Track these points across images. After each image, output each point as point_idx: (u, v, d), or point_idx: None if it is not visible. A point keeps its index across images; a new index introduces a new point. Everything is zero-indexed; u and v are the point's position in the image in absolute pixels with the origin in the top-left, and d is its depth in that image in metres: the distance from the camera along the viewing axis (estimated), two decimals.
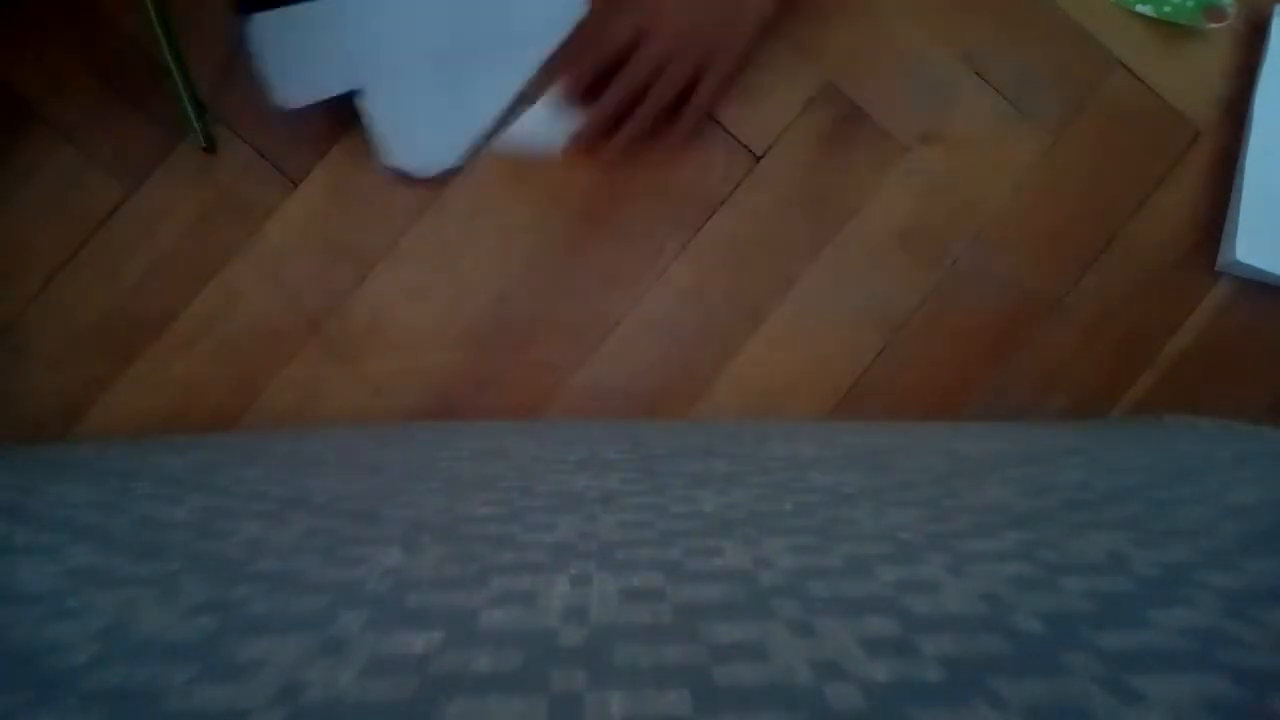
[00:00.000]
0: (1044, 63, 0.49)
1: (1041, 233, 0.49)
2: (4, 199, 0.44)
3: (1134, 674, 0.12)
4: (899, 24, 0.48)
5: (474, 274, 0.46)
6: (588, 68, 0.41)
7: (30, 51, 0.44)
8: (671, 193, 0.47)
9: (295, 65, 0.42)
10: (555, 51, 0.41)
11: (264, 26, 0.41)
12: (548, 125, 0.42)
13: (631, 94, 0.41)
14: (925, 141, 0.48)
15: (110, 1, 0.44)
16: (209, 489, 0.25)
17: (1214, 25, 0.48)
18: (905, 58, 0.48)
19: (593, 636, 0.14)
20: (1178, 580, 0.16)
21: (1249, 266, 0.47)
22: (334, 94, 0.42)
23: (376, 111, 0.43)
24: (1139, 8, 0.49)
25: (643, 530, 0.20)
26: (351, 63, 0.43)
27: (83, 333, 0.44)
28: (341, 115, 0.45)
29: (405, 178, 0.45)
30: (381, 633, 0.14)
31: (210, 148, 0.44)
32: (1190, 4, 0.48)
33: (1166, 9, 0.48)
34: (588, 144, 0.43)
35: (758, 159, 0.47)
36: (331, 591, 0.16)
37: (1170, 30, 0.49)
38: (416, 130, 0.44)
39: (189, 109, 0.44)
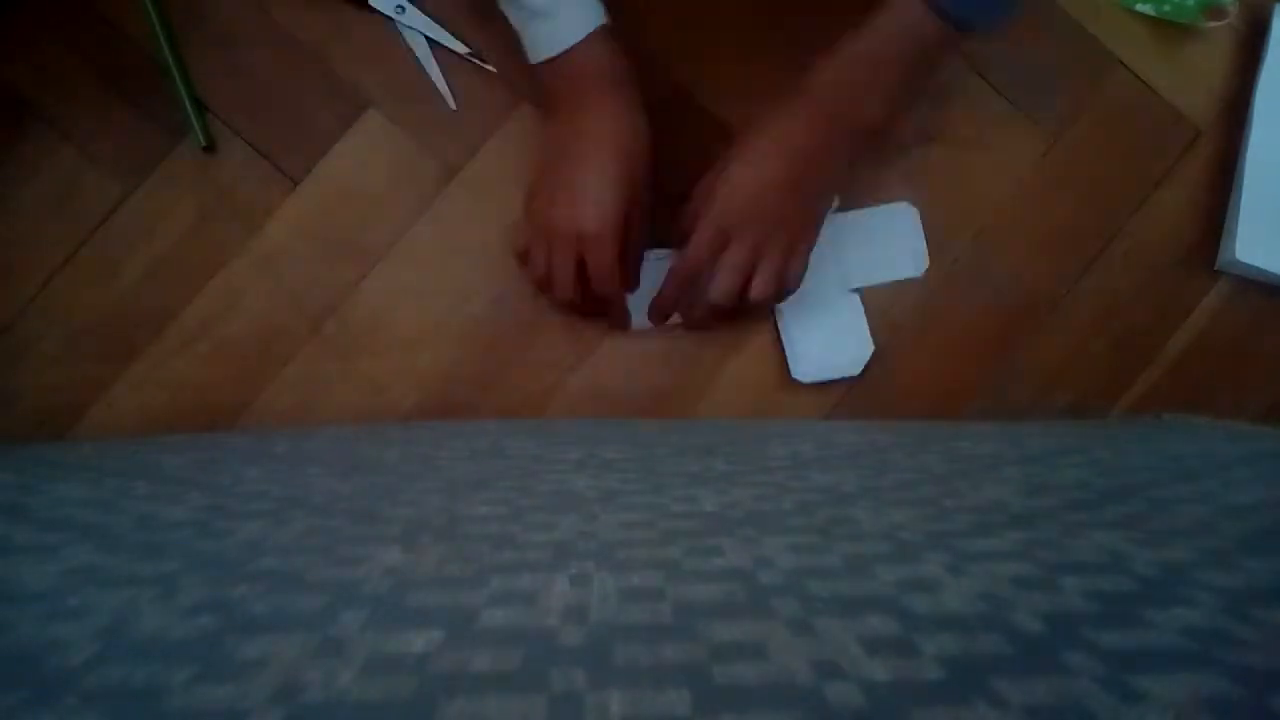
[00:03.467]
0: (1044, 62, 0.49)
1: (1041, 233, 0.49)
2: (4, 199, 0.44)
3: (1134, 673, 0.12)
4: None
5: (474, 274, 0.46)
6: (680, 295, 0.43)
7: (30, 51, 0.44)
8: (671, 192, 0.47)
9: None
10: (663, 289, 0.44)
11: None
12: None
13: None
14: (925, 141, 0.48)
15: (110, 1, 0.44)
16: (209, 489, 0.25)
17: (1214, 24, 0.48)
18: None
19: (592, 636, 0.14)
20: (1178, 580, 0.16)
21: (1249, 265, 0.47)
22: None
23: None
24: (1139, 7, 0.49)
25: (642, 530, 0.20)
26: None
27: (82, 332, 0.44)
28: (341, 114, 0.45)
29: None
30: (381, 632, 0.14)
31: (210, 147, 0.44)
32: (1190, 3, 0.48)
33: (1167, 8, 0.48)
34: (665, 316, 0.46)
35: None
36: (331, 591, 0.16)
37: (1170, 29, 0.49)
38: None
39: (189, 109, 0.44)
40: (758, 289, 0.41)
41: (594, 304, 0.43)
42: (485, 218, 0.46)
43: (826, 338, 0.47)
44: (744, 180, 0.39)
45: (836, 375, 0.47)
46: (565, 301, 0.43)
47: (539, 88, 0.42)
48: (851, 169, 0.42)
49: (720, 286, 0.41)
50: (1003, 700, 0.11)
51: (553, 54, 0.38)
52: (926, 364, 0.48)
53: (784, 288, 0.42)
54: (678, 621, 0.14)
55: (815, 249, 0.42)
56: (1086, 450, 0.31)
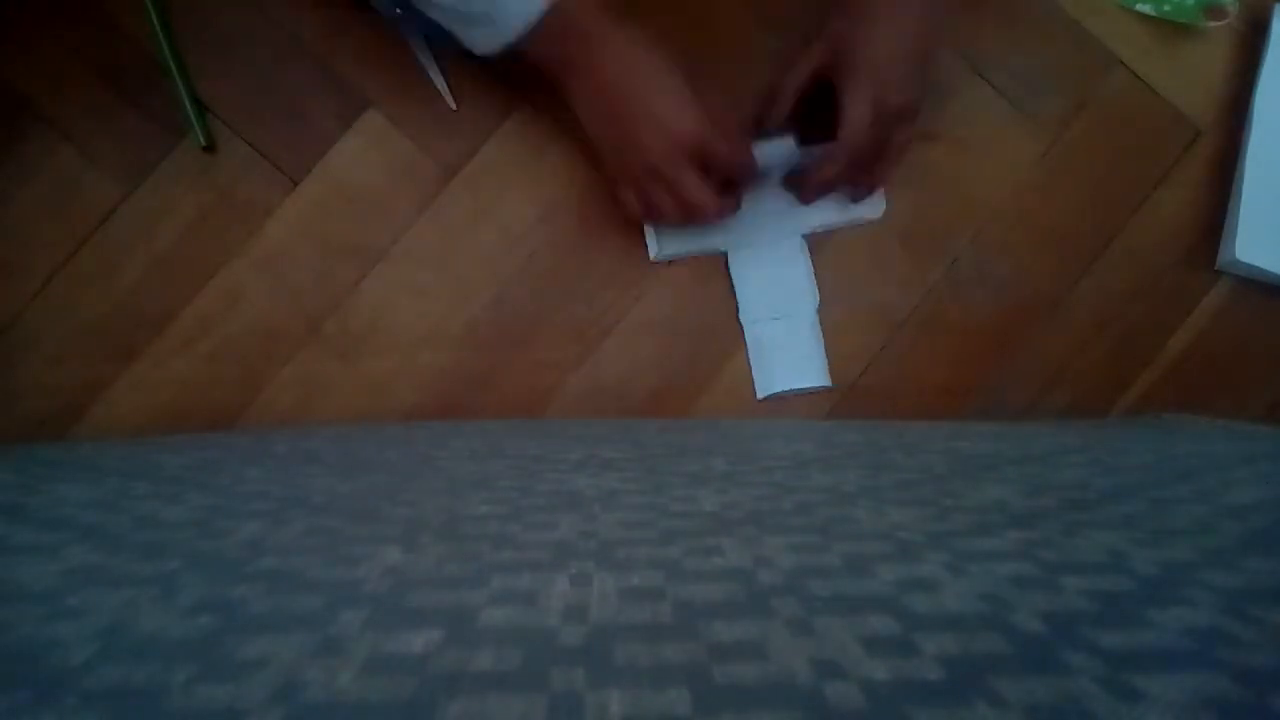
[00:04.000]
0: (1044, 63, 0.49)
1: (1041, 233, 0.49)
2: (4, 198, 0.44)
3: (1134, 673, 0.12)
4: None
5: (474, 274, 0.46)
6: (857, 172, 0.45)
7: (31, 51, 0.44)
8: None
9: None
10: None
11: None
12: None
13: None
14: (925, 140, 0.48)
15: (110, 1, 0.44)
16: (209, 488, 0.25)
17: (1215, 24, 0.48)
18: None
19: (592, 635, 0.14)
20: (1178, 579, 0.16)
21: (1249, 265, 0.47)
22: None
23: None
24: (1139, 6, 0.49)
25: (642, 529, 0.20)
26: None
27: (83, 332, 0.44)
28: (341, 114, 0.45)
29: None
30: (381, 632, 0.14)
31: (210, 147, 0.45)
32: (1190, 3, 0.48)
33: (1167, 7, 0.48)
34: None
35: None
36: (331, 591, 0.16)
37: (1171, 29, 0.49)
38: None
39: (189, 109, 0.44)
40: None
41: (715, 206, 0.41)
42: (485, 218, 0.46)
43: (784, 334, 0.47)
44: (896, 47, 0.39)
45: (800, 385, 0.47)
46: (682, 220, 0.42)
47: (535, 69, 0.39)
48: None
49: (887, 170, 0.43)
50: (1002, 700, 0.11)
51: (532, 17, 0.35)
52: (926, 364, 0.48)
53: (904, 153, 0.44)
54: (678, 621, 0.14)
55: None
56: (1086, 450, 0.31)
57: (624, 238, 0.47)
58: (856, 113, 0.40)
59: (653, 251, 0.47)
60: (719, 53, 0.47)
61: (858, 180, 0.45)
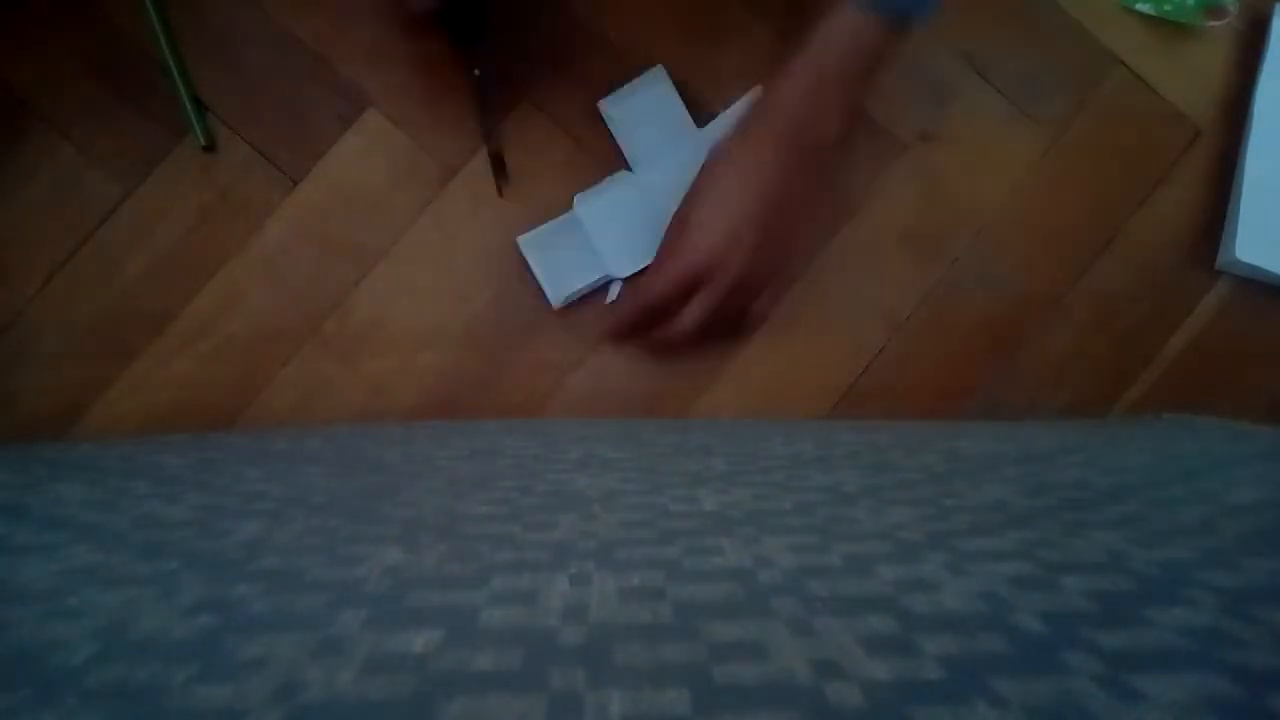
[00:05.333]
0: (1044, 62, 0.49)
1: (1041, 232, 0.49)
2: (4, 198, 0.43)
3: (1134, 673, 0.12)
4: None
5: (474, 274, 0.46)
6: (640, 321, 0.44)
7: (30, 51, 0.44)
8: None
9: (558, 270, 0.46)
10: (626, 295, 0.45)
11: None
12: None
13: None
14: (925, 141, 0.48)
15: (110, 1, 0.44)
16: (208, 488, 0.25)
17: (1215, 23, 0.48)
18: (905, 57, 0.48)
19: (592, 635, 0.14)
20: (1178, 579, 0.16)
21: (1249, 265, 0.47)
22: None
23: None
24: (1139, 6, 0.49)
25: (642, 529, 0.20)
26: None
27: (83, 331, 0.44)
28: (342, 114, 0.45)
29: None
30: (381, 632, 0.14)
31: (210, 147, 0.44)
32: (1191, 2, 0.48)
33: (1167, 7, 0.48)
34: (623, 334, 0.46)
35: None
36: (331, 590, 0.16)
37: (1171, 29, 0.49)
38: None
39: (189, 108, 0.44)
40: (732, 329, 0.43)
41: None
42: (485, 218, 0.46)
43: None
44: (714, 221, 0.39)
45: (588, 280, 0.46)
46: (679, 337, 0.42)
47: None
48: (821, 188, 0.42)
49: (675, 329, 0.41)
50: (1002, 700, 0.11)
51: None
52: (926, 364, 0.48)
53: (757, 321, 0.44)
54: (678, 621, 0.14)
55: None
56: (1086, 450, 0.31)
57: None
58: (668, 271, 0.40)
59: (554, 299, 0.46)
60: None
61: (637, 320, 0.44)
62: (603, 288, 0.47)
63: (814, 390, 0.48)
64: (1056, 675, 0.12)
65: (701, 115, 0.46)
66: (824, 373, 0.48)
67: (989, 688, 0.12)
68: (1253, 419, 0.49)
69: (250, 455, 0.32)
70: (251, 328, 0.45)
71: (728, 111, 0.46)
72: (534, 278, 0.46)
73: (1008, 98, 0.49)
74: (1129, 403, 0.49)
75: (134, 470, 0.28)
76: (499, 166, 0.45)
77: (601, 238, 0.45)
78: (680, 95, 0.46)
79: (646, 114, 0.46)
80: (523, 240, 0.45)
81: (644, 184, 0.46)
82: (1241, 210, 0.48)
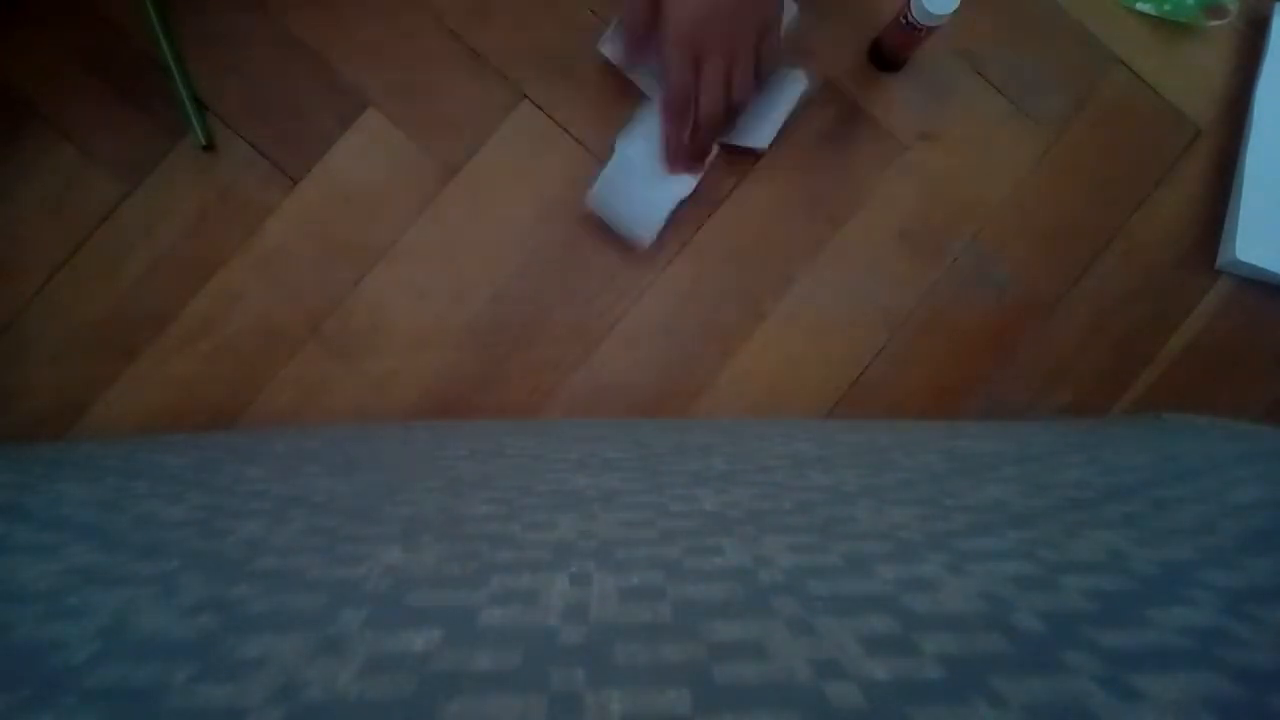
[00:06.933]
0: (1044, 62, 0.49)
1: (1041, 232, 0.49)
2: (4, 197, 0.44)
3: (1134, 672, 0.12)
4: None
5: (474, 273, 0.46)
6: (680, 132, 0.44)
7: (30, 51, 0.44)
8: None
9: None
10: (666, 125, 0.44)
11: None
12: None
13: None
14: (925, 140, 0.48)
15: (110, 1, 0.44)
16: (208, 488, 0.25)
17: (1214, 23, 0.48)
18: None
19: (592, 635, 0.14)
20: (1178, 579, 0.16)
21: (1249, 265, 0.47)
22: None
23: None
24: (1139, 6, 0.49)
25: (643, 529, 0.20)
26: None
27: (83, 331, 0.44)
28: (342, 113, 0.45)
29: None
30: (381, 631, 0.14)
31: (210, 147, 0.44)
32: (1191, 2, 0.48)
33: (1167, 7, 0.48)
34: (687, 156, 0.45)
35: (758, 157, 0.47)
36: (331, 590, 0.16)
37: (1171, 29, 0.49)
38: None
39: (189, 108, 0.44)
40: (739, 92, 0.41)
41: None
42: (485, 218, 0.46)
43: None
44: None
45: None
46: (712, 115, 0.42)
47: None
48: None
49: (705, 108, 0.41)
50: (1002, 699, 0.11)
51: None
52: (926, 364, 0.48)
53: (763, 78, 0.43)
54: (678, 621, 0.14)
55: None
56: (1086, 449, 0.31)
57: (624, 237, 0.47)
58: (670, 61, 0.40)
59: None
60: None
61: (682, 132, 0.44)
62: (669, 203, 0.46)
63: (814, 390, 0.48)
64: (1056, 675, 0.12)
65: None
66: (824, 372, 0.48)
67: (989, 687, 0.12)
68: (1253, 419, 0.49)
69: (250, 455, 0.32)
70: (251, 327, 0.45)
71: None
72: (610, 231, 0.46)
73: (1007, 97, 0.49)
74: (1129, 403, 0.50)
75: (134, 470, 0.28)
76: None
77: (657, 164, 0.46)
78: None
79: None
80: (589, 198, 0.45)
81: None
82: (1241, 210, 0.48)
